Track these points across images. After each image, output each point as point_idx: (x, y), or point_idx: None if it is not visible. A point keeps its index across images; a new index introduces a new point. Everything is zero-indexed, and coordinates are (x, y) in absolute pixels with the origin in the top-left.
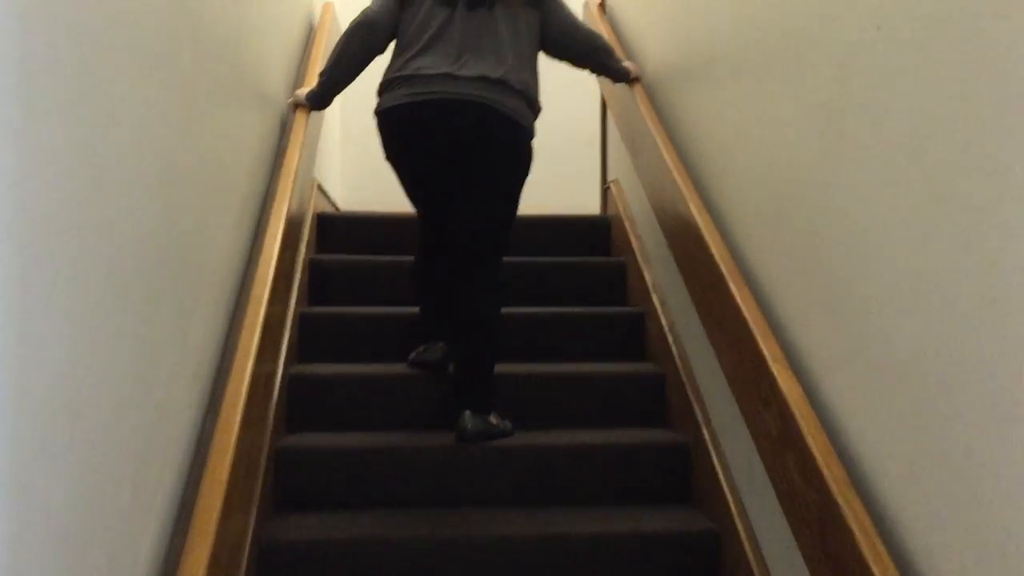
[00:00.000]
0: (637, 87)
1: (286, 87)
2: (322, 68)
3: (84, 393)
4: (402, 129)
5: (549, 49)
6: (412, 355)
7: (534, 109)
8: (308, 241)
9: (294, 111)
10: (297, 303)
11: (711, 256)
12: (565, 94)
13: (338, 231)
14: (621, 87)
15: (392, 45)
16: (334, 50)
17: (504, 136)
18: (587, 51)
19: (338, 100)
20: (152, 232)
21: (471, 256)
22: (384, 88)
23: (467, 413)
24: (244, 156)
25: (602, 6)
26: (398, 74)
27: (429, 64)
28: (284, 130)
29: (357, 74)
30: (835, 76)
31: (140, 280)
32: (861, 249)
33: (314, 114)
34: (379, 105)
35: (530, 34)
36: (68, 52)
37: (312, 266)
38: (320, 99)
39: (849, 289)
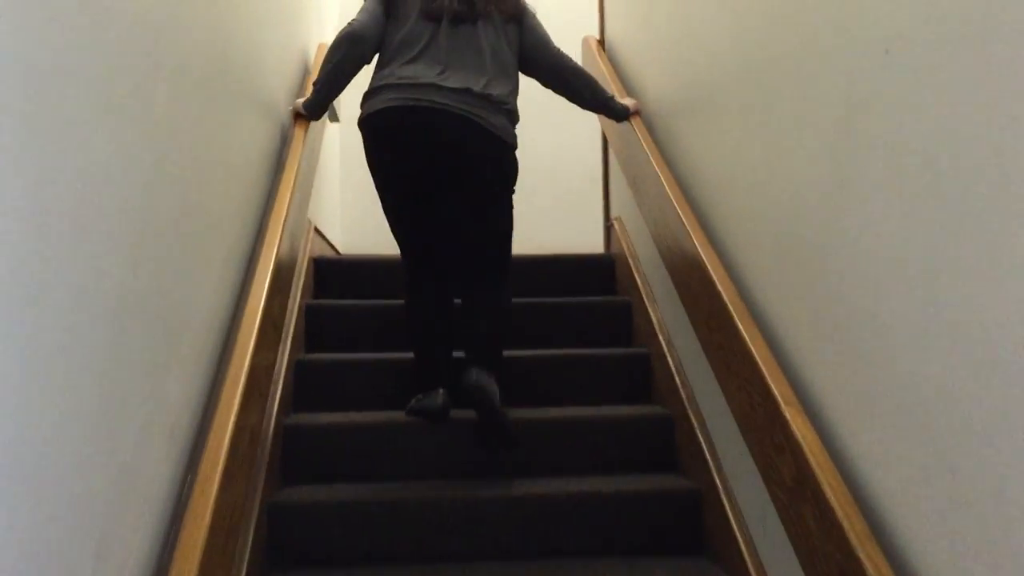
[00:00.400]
0: (636, 120)
1: (279, 129)
2: (315, 78)
3: (34, 456)
4: (386, 132)
5: (522, 65)
6: (411, 403)
7: (514, 122)
8: (303, 285)
9: (295, 121)
10: (292, 350)
11: (717, 293)
12: (566, 131)
13: (336, 275)
14: (622, 125)
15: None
16: (324, 60)
17: (490, 152)
18: (554, 66)
19: (337, 143)
20: (118, 283)
21: (475, 265)
22: (368, 96)
23: (474, 369)
24: (231, 200)
25: (601, 43)
26: (383, 82)
27: (414, 74)
28: (276, 172)
29: (346, 83)
30: (842, 103)
31: (102, 334)
32: (876, 286)
33: (309, 156)
34: (363, 112)
35: (511, 49)
36: (14, 94)
37: (308, 312)
38: (315, 108)
39: (865, 327)
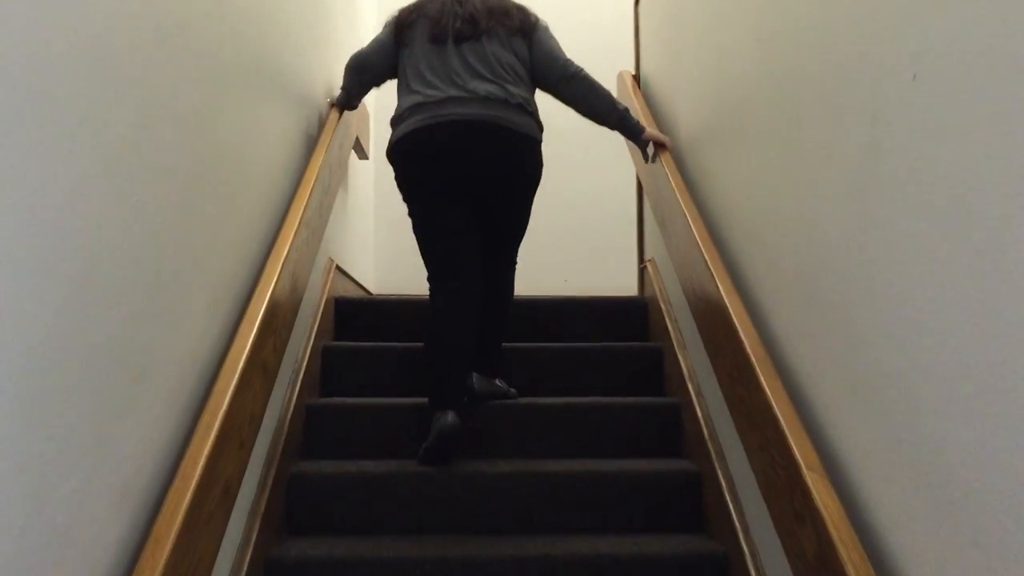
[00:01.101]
0: (666, 157)
1: (292, 169)
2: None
3: None
4: (415, 152)
5: (534, 79)
6: (426, 443)
7: (537, 122)
8: (319, 326)
9: (330, 109)
10: (302, 394)
11: (739, 342)
12: (603, 173)
13: (358, 316)
14: (652, 166)
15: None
16: (343, 79)
17: (518, 151)
18: (564, 75)
19: (372, 181)
20: (52, 323)
21: (488, 259)
22: (395, 123)
23: (475, 375)
24: (224, 238)
25: (636, 78)
26: (405, 107)
27: (434, 92)
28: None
29: (365, 94)
30: (868, 135)
31: (29, 378)
32: (906, 338)
33: (323, 193)
34: (392, 137)
35: (520, 62)
36: None
37: (325, 354)
38: (343, 104)
39: (894, 385)
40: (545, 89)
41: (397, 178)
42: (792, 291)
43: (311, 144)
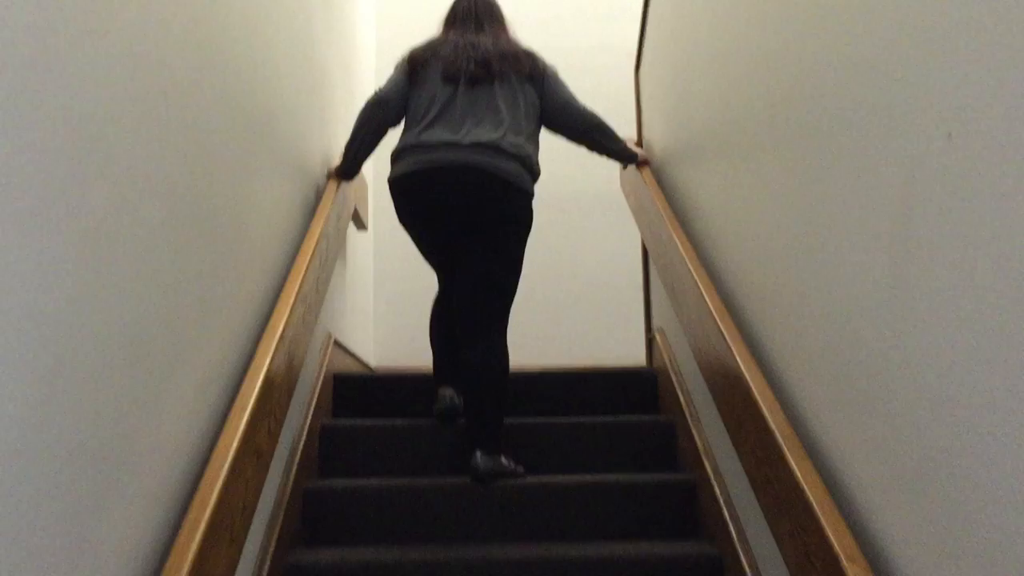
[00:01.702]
0: (673, 224)
1: (289, 244)
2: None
3: None
4: (411, 194)
5: (547, 123)
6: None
7: (532, 172)
8: (317, 404)
9: (328, 179)
10: (299, 477)
11: (763, 420)
12: (609, 239)
13: (358, 392)
14: (658, 229)
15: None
16: (354, 125)
17: (502, 198)
18: (581, 126)
19: (371, 255)
20: (22, 419)
21: (477, 312)
22: (395, 158)
23: (478, 452)
24: (216, 317)
25: (638, 146)
26: (406, 144)
27: (433, 135)
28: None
29: (374, 146)
30: (900, 198)
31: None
32: (952, 417)
33: (321, 267)
34: (391, 174)
35: (528, 107)
36: None
37: (323, 433)
38: (346, 171)
39: (943, 469)
40: (557, 132)
41: (396, 212)
42: (818, 362)
43: (308, 215)
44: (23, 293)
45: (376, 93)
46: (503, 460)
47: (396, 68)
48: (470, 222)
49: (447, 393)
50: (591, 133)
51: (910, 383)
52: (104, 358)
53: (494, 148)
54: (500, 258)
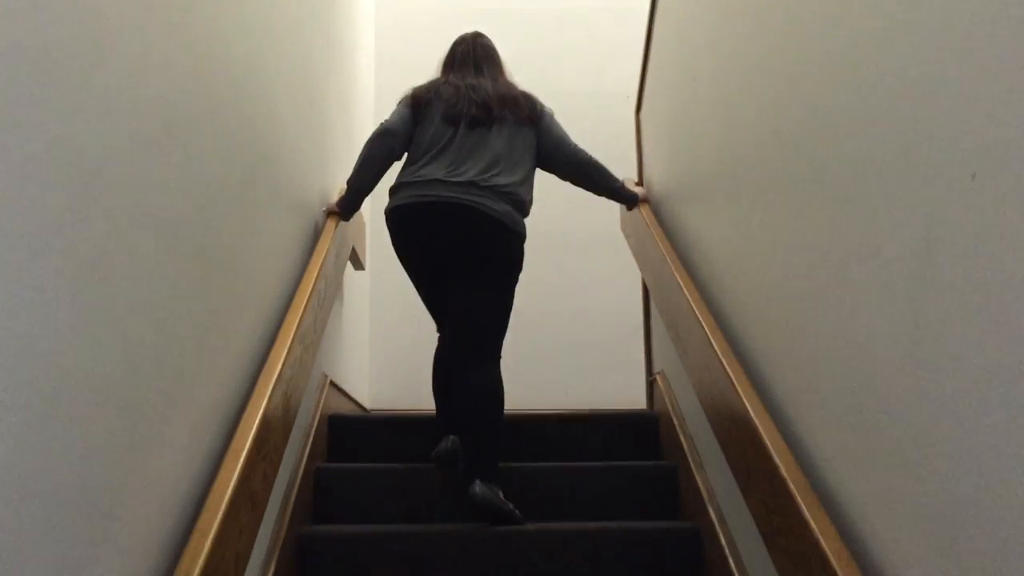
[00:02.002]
0: (676, 265)
1: (288, 280)
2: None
3: None
4: (403, 226)
5: (541, 162)
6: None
7: (523, 211)
8: (312, 447)
9: (326, 218)
10: (293, 523)
11: (775, 467)
12: (608, 281)
13: (354, 435)
14: (660, 270)
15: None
16: (358, 158)
17: (493, 238)
18: (572, 161)
19: (367, 295)
20: (4, 468)
21: (469, 345)
22: (392, 192)
23: (477, 481)
24: (212, 355)
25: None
26: (404, 180)
27: (428, 172)
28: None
29: (378, 178)
30: (920, 239)
31: None
32: (978, 469)
33: (319, 306)
34: (387, 205)
35: (525, 149)
36: None
37: (318, 477)
38: (348, 205)
39: (969, 522)
40: (552, 171)
41: (392, 243)
42: (832, 407)
43: (306, 253)
44: (14, 330)
45: (382, 124)
46: (500, 495)
47: (400, 103)
48: (460, 259)
49: (449, 438)
50: (582, 168)
51: (932, 432)
52: (96, 399)
53: (488, 189)
54: (489, 296)
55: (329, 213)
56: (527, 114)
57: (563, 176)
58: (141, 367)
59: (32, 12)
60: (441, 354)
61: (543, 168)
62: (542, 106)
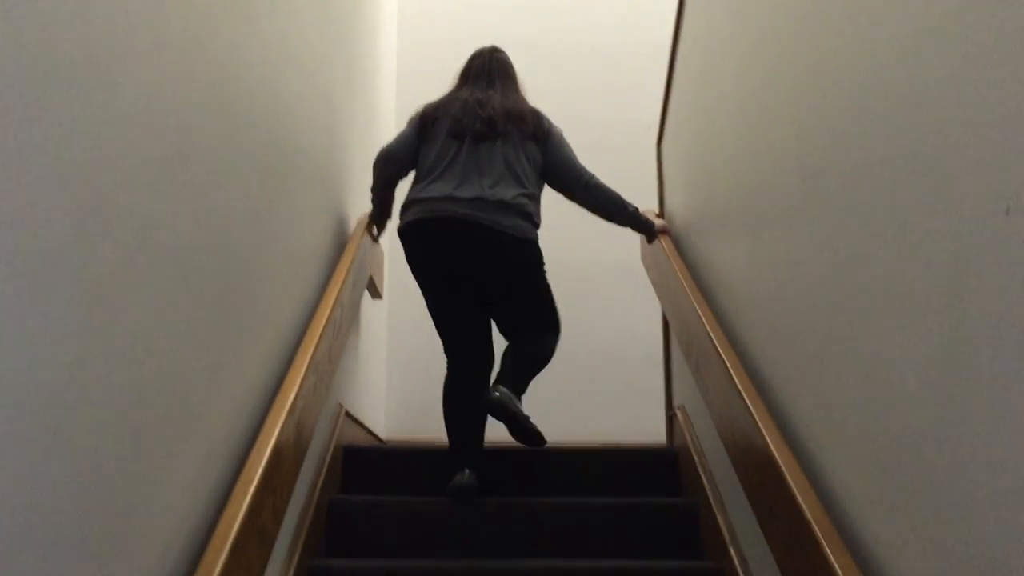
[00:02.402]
0: (698, 298)
1: (299, 300)
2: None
3: None
4: (414, 243)
5: (549, 182)
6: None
7: (528, 219)
8: (325, 479)
9: (363, 231)
10: (303, 557)
11: (798, 508)
12: (627, 313)
13: (370, 466)
14: (681, 302)
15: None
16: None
17: (501, 251)
18: (580, 183)
19: (385, 324)
20: (7, 499)
21: (522, 329)
22: (402, 211)
23: (500, 386)
24: (218, 385)
25: (660, 217)
26: (412, 197)
27: (436, 188)
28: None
29: (389, 197)
30: (951, 275)
31: None
32: (1014, 518)
33: (334, 335)
34: (399, 224)
35: (531, 164)
36: None
37: (332, 509)
38: (376, 217)
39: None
40: (560, 191)
41: (407, 260)
42: (857, 448)
43: (323, 281)
44: (18, 359)
45: (384, 148)
46: (521, 408)
47: (408, 122)
48: (472, 275)
49: (464, 472)
50: (590, 191)
51: (963, 478)
52: (100, 432)
53: (496, 203)
54: (521, 297)
55: (363, 223)
56: (533, 130)
57: (572, 198)
58: (149, 398)
59: (41, 34)
60: (451, 379)
61: (552, 187)
62: (551, 124)
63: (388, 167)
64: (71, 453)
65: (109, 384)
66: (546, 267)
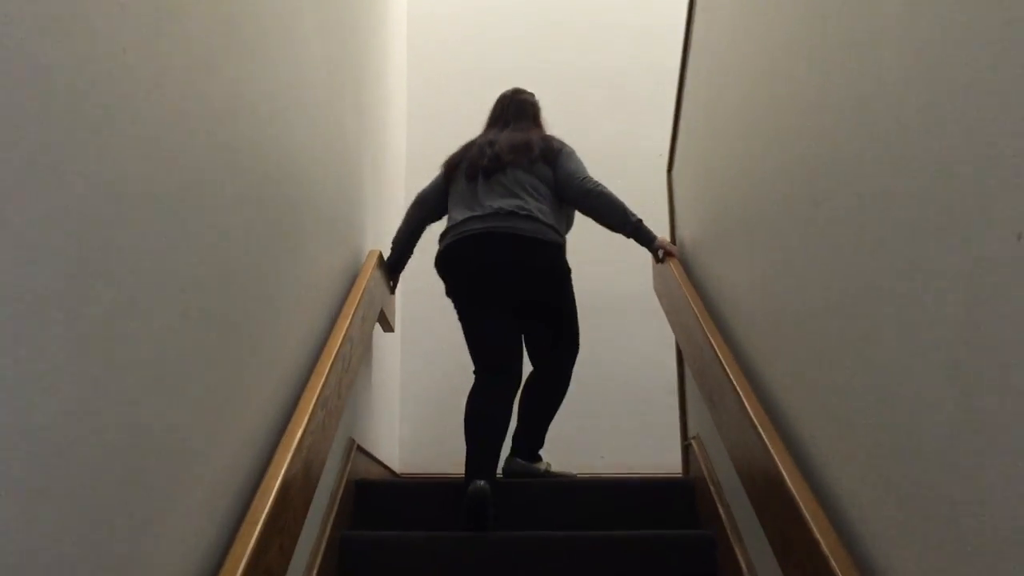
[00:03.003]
0: (711, 328)
1: (307, 334)
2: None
3: None
4: (447, 266)
5: (560, 195)
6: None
7: (552, 228)
8: (337, 514)
9: (374, 264)
10: None
11: (815, 544)
12: (639, 341)
13: (383, 500)
14: (693, 330)
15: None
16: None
17: (528, 252)
18: (582, 190)
19: (398, 355)
20: None
21: (549, 348)
22: (440, 240)
23: (516, 459)
24: (222, 423)
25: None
26: (445, 228)
27: (461, 214)
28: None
29: (415, 239)
30: (965, 303)
31: None
32: None
33: (345, 369)
34: (435, 261)
35: (543, 182)
36: None
37: (343, 546)
38: (392, 265)
39: None
40: (570, 203)
41: (446, 291)
42: (874, 479)
43: (332, 316)
44: (12, 403)
45: (419, 193)
46: (536, 466)
47: (440, 168)
48: (502, 282)
49: (478, 483)
50: (589, 198)
51: (984, 511)
52: (98, 477)
53: (508, 212)
54: (548, 306)
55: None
56: (540, 153)
57: (578, 207)
58: (152, 440)
59: (37, 69)
60: (476, 389)
61: (564, 200)
62: (561, 144)
63: (419, 210)
64: (67, 500)
65: (108, 427)
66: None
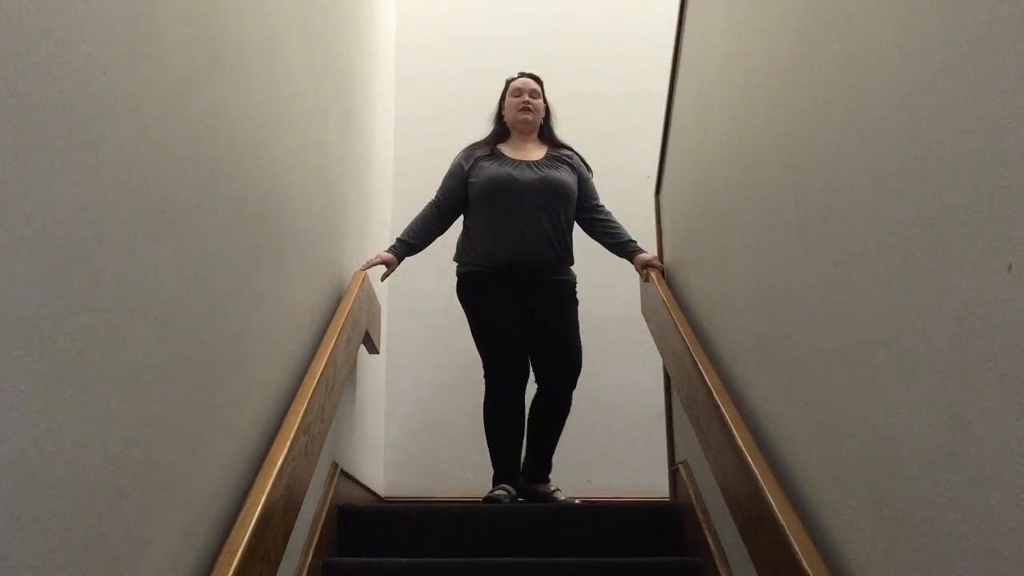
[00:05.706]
0: (698, 352)
1: (289, 357)
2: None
3: None
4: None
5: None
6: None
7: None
8: (319, 541)
9: (358, 286)
10: None
11: (804, 575)
12: (627, 365)
13: (367, 526)
14: (680, 355)
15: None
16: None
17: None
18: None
19: (383, 377)
20: None
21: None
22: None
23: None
24: (201, 449)
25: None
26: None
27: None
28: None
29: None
30: (954, 333)
31: None
32: None
33: (329, 392)
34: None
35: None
36: None
37: (326, 573)
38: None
39: None
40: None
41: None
42: (863, 506)
43: (315, 339)
44: None
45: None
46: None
47: None
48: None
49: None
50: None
51: (975, 544)
52: (72, 505)
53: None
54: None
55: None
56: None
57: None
58: (128, 467)
59: (15, 92)
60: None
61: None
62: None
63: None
64: (37, 533)
65: (82, 456)
66: None
